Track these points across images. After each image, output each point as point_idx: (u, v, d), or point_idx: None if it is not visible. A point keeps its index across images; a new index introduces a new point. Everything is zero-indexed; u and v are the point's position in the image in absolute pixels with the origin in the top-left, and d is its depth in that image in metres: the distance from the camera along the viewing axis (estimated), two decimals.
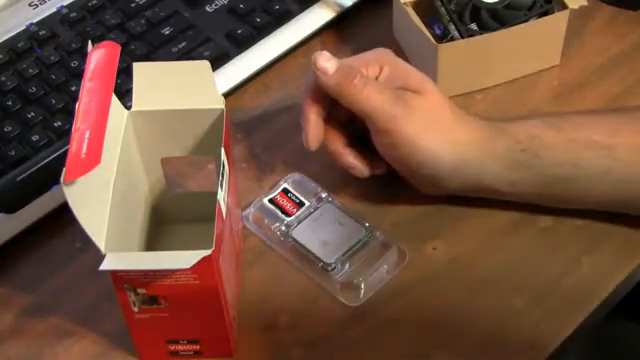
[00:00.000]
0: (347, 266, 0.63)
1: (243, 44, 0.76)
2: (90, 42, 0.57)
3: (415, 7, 0.74)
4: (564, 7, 0.73)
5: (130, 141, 0.60)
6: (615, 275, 0.63)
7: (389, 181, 0.68)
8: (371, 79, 0.63)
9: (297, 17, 0.78)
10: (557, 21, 0.73)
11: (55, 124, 0.70)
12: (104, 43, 0.57)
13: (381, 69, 0.64)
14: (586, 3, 0.73)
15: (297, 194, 0.67)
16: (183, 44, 0.75)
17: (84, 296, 0.64)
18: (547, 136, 0.62)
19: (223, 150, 0.56)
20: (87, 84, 0.55)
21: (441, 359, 0.60)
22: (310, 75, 0.63)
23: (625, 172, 0.62)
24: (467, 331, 0.61)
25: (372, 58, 0.65)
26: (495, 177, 0.63)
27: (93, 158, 0.50)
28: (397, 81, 0.63)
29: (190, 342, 0.58)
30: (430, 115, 0.62)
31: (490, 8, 0.72)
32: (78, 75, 0.72)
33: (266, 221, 0.66)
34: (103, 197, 0.54)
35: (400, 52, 0.77)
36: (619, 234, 0.65)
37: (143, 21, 0.77)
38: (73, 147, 0.51)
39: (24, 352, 0.61)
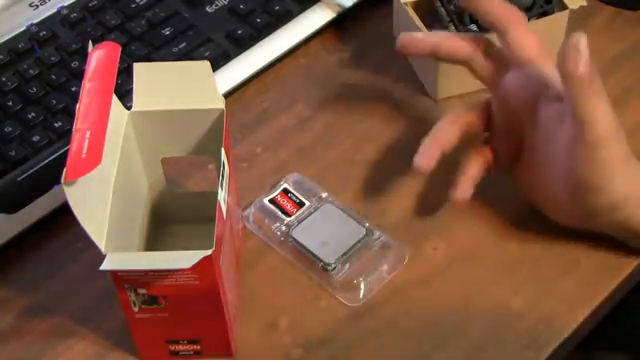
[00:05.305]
0: (347, 266, 0.63)
1: (243, 44, 0.76)
2: (90, 42, 0.57)
3: (415, 7, 0.74)
4: (564, 7, 0.73)
5: (130, 141, 0.60)
6: (615, 276, 0.63)
7: (389, 181, 0.68)
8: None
9: (297, 17, 0.78)
10: (557, 21, 0.73)
11: (55, 124, 0.70)
12: (104, 43, 0.58)
13: None
14: (586, 3, 0.73)
15: (297, 194, 0.67)
16: (183, 44, 0.76)
17: (84, 296, 0.64)
18: None
19: (223, 150, 0.56)
20: (87, 84, 0.55)
21: (441, 359, 0.60)
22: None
23: None
24: (467, 331, 0.61)
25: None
26: None
27: (94, 158, 0.51)
28: None
29: (190, 342, 0.58)
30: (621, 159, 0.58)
31: None
32: (78, 75, 0.72)
33: (266, 221, 0.66)
34: (103, 197, 0.55)
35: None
36: None
37: (143, 22, 0.77)
38: (74, 147, 0.51)
39: (24, 352, 0.61)
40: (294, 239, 0.65)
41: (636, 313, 0.84)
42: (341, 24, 0.80)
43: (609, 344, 0.84)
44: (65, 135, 0.69)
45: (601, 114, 0.56)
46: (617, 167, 0.58)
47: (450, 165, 0.65)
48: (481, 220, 0.66)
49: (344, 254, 0.63)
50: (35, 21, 0.78)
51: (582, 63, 0.55)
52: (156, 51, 0.75)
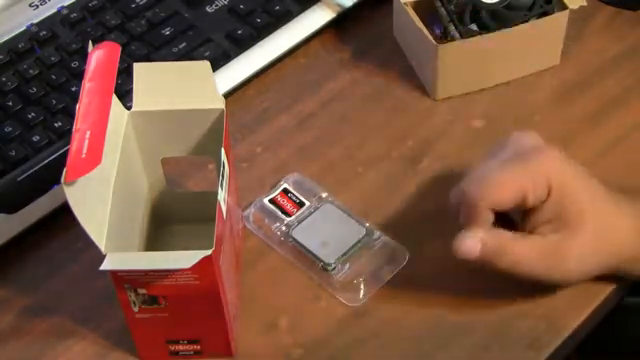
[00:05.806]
0: (347, 266, 0.63)
1: (243, 44, 0.76)
2: (90, 42, 0.57)
3: (415, 7, 0.74)
4: (564, 7, 0.73)
5: (130, 141, 0.60)
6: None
7: (389, 181, 0.68)
8: (519, 240, 0.59)
9: (297, 17, 0.78)
10: (557, 21, 0.73)
11: (55, 124, 0.70)
12: (104, 43, 0.58)
13: (549, 191, 0.58)
14: (585, 3, 0.73)
15: (297, 194, 0.67)
16: (183, 44, 0.76)
17: (84, 296, 0.64)
18: None
19: (223, 150, 0.56)
20: (87, 84, 0.55)
21: (441, 359, 0.60)
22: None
23: None
24: (468, 331, 0.60)
25: (541, 172, 0.58)
26: None
27: (94, 158, 0.51)
28: (556, 210, 0.59)
29: (190, 342, 0.58)
30: (583, 255, 0.59)
31: (490, 8, 0.72)
32: (78, 75, 0.72)
33: (266, 221, 0.66)
34: (103, 197, 0.55)
35: (400, 52, 0.78)
36: None
37: (143, 22, 0.77)
38: (74, 147, 0.51)
39: (24, 352, 0.61)
40: (294, 239, 0.65)
41: (635, 315, 0.84)
42: (341, 24, 0.80)
43: (609, 346, 0.85)
44: (65, 135, 0.69)
45: (525, 268, 0.59)
46: (586, 256, 0.59)
47: (450, 164, 0.65)
48: None
49: (344, 254, 0.63)
50: (35, 21, 0.78)
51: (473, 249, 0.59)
52: (156, 51, 0.75)
